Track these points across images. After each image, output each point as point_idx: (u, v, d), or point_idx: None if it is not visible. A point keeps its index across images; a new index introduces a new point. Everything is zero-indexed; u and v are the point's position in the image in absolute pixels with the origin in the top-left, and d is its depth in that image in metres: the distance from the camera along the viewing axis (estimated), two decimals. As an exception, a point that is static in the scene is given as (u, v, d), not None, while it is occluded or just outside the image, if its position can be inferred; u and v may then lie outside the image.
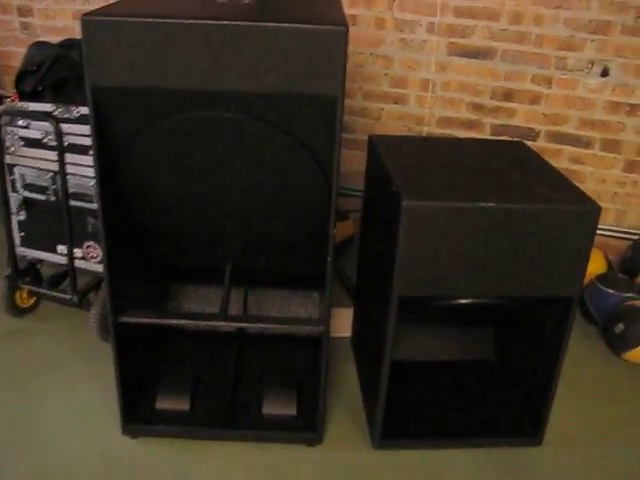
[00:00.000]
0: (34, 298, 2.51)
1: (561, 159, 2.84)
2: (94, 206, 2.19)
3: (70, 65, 2.18)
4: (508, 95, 2.81)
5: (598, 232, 1.70)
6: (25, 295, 2.47)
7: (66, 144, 2.13)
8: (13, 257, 2.35)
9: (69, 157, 2.14)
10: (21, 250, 2.38)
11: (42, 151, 2.19)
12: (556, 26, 2.65)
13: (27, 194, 2.28)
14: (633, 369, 2.39)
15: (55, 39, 2.39)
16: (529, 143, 2.26)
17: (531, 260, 1.70)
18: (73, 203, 2.21)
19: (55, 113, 2.11)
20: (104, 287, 2.09)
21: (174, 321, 1.81)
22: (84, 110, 2.08)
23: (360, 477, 1.86)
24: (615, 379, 2.34)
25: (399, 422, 2.01)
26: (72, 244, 2.25)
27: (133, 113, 1.55)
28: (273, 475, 1.85)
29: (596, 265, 2.69)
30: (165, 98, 1.51)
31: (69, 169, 2.17)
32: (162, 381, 2.03)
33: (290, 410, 1.98)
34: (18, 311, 2.46)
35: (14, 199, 2.30)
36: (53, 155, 2.14)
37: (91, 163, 2.14)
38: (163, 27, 1.41)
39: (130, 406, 1.92)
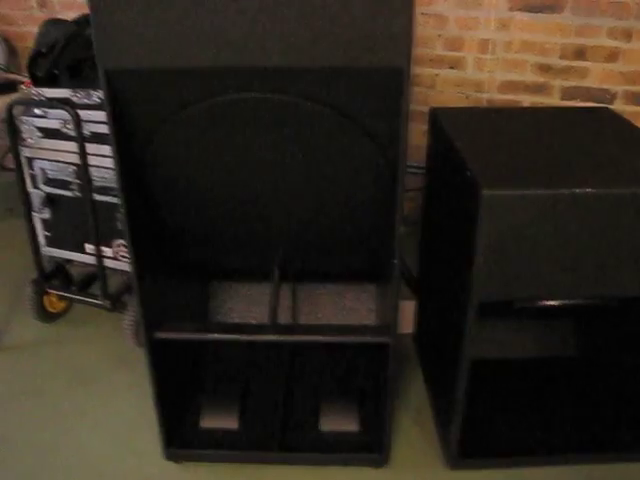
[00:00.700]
0: (65, 302, 2.32)
1: (641, 123, 2.50)
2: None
3: (86, 44, 1.93)
4: (580, 53, 2.47)
5: None
6: (55, 299, 2.27)
7: (87, 133, 1.90)
8: (38, 258, 2.14)
9: (91, 148, 1.91)
10: (47, 250, 2.18)
11: (62, 142, 1.97)
12: (636, -31, 2.29)
13: (49, 190, 2.07)
14: None
15: (75, 16, 2.15)
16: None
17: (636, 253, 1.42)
18: (99, 198, 1.99)
19: (73, 99, 1.88)
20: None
21: (216, 335, 1.58)
22: (105, 94, 1.84)
23: (435, 505, 1.63)
24: None
25: (478, 435, 1.75)
26: (99, 243, 2.03)
27: (157, 98, 1.30)
28: (335, 505, 1.63)
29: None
30: (194, 79, 1.25)
31: (92, 161, 1.94)
32: (206, 397, 1.82)
33: (352, 426, 1.75)
34: (48, 317, 2.27)
35: (36, 196, 2.09)
36: (74, 146, 1.91)
37: (115, 153, 1.93)
38: (187, -9, 1.15)
39: (172, 428, 1.71)
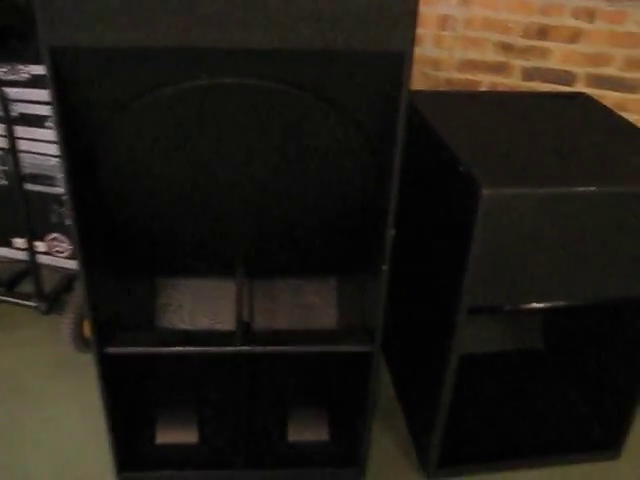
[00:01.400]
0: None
1: (600, 105, 2.45)
2: (59, 190, 1.75)
3: (11, 8, 1.67)
4: (542, 32, 2.38)
5: None
6: (-23, 300, 2.02)
7: (15, 114, 1.66)
8: (-43, 255, 1.89)
9: (21, 130, 1.67)
10: (-34, 245, 1.92)
11: (-16, 124, 1.71)
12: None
13: (-31, 177, 1.81)
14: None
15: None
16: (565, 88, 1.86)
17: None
18: (31, 187, 1.75)
19: (-4, 74, 1.63)
20: (78, 289, 1.69)
21: (176, 349, 1.40)
22: (37, 70, 1.60)
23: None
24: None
25: (455, 442, 1.66)
26: (32, 237, 1.80)
27: (114, 82, 1.10)
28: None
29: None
30: (157, 61, 1.06)
31: (22, 145, 1.70)
32: (160, 410, 1.64)
33: (322, 435, 1.62)
34: (-29, 319, 2.02)
35: (-47, 184, 1.83)
36: (0, 129, 1.67)
37: (50, 137, 1.69)
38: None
39: (125, 449, 1.53)
